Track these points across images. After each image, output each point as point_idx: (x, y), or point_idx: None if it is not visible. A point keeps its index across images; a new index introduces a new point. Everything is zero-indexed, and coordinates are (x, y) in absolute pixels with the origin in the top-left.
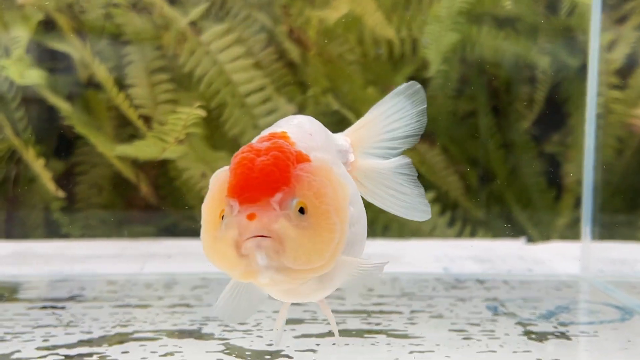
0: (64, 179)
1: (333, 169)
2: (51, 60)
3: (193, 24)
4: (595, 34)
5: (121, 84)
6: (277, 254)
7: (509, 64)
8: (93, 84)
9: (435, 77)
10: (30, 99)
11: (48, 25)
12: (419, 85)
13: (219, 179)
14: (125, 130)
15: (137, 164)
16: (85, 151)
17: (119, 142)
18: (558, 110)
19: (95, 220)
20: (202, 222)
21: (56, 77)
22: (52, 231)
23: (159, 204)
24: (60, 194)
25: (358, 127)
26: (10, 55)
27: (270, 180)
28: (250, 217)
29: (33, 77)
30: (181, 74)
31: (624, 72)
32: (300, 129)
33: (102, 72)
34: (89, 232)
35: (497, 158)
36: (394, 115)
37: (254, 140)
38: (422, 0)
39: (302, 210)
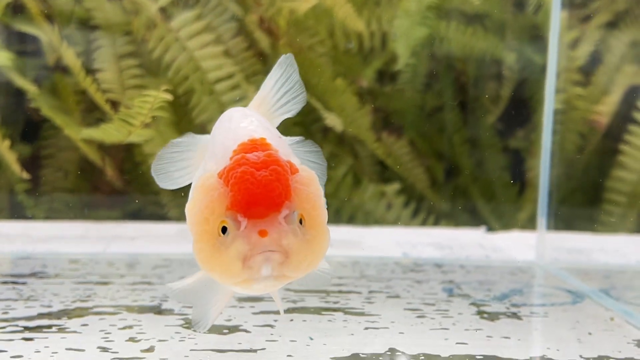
0: (30, 162)
1: (316, 178)
2: (19, 43)
3: (163, 10)
4: (555, 32)
5: (89, 69)
6: (282, 266)
7: (476, 60)
8: (61, 68)
9: (404, 71)
10: None
11: (16, 8)
12: (291, 55)
13: (214, 190)
14: (93, 115)
15: (104, 148)
16: (51, 134)
17: (86, 126)
18: (523, 107)
19: (60, 204)
20: (198, 231)
21: (24, 60)
22: (16, 213)
23: (124, 189)
24: (25, 175)
25: (258, 103)
26: None
27: (274, 196)
28: (262, 233)
29: (1, 58)
30: (150, 60)
31: (587, 70)
32: (269, 132)
33: (70, 56)
34: (53, 215)
35: (463, 152)
36: (281, 85)
37: (235, 146)
38: None
39: (300, 221)
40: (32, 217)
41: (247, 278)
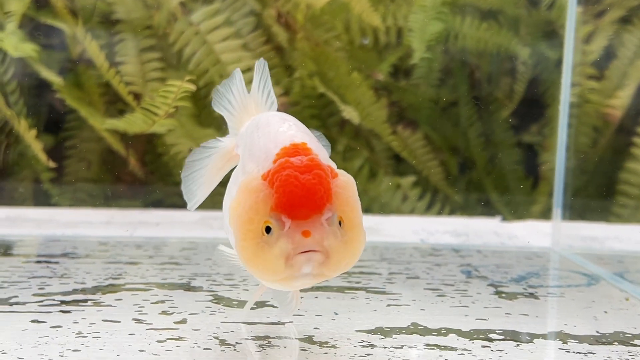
0: (53, 152)
1: (354, 182)
2: (44, 36)
3: (183, 4)
4: (570, 27)
5: (111, 62)
6: (322, 265)
7: (490, 55)
8: (85, 61)
9: (419, 66)
10: (22, 73)
11: (41, 2)
12: (264, 60)
13: (259, 191)
14: (115, 106)
15: (126, 139)
16: (75, 125)
17: (109, 117)
18: (537, 101)
19: (84, 193)
20: (242, 230)
21: (49, 52)
22: (41, 201)
23: (146, 179)
24: (52, 164)
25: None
26: (4, 29)
27: (317, 198)
28: (305, 234)
29: (26, 50)
30: (170, 53)
31: (601, 64)
32: (309, 137)
33: (93, 49)
34: (77, 203)
35: (477, 146)
36: (262, 88)
37: (277, 150)
38: None
39: (339, 223)
40: (57, 205)
41: (287, 276)
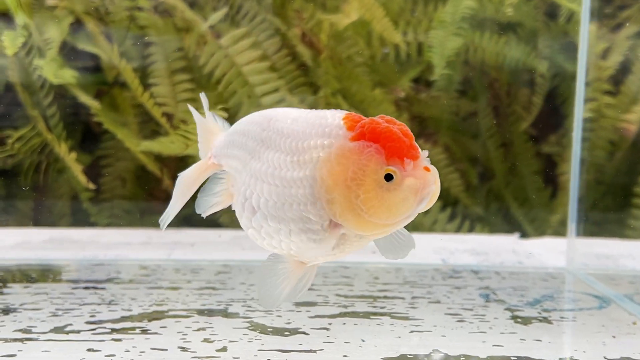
0: (89, 172)
1: None
2: (80, 60)
3: (212, 27)
4: (584, 42)
5: (145, 83)
6: (434, 196)
7: (509, 67)
8: (119, 83)
9: (439, 80)
10: (61, 96)
11: (77, 27)
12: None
13: (365, 147)
14: (148, 126)
15: (159, 159)
16: (109, 145)
17: (143, 137)
18: (555, 112)
19: (120, 210)
20: (366, 183)
21: (85, 76)
22: (79, 220)
23: None
24: (91, 186)
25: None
26: (44, 56)
27: (414, 141)
28: (427, 169)
29: (66, 76)
30: (200, 75)
31: (617, 79)
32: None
33: (128, 72)
34: (114, 221)
35: (496, 157)
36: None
37: (338, 120)
38: (427, 5)
39: None
40: (95, 224)
41: (413, 211)
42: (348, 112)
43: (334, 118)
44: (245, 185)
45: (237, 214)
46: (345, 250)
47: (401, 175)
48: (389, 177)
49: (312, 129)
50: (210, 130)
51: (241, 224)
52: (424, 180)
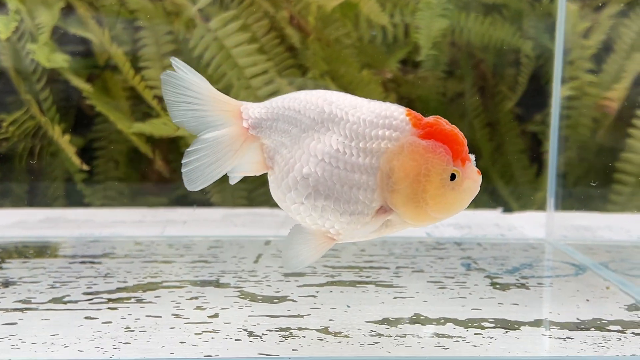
0: (83, 154)
1: None
2: (71, 44)
3: (201, 11)
4: (561, 21)
5: (135, 67)
6: None
7: (494, 48)
8: (110, 67)
9: (426, 61)
10: (53, 80)
11: (68, 12)
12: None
13: (437, 147)
14: (139, 109)
15: (151, 140)
16: (102, 128)
17: (135, 120)
18: (540, 92)
19: (114, 192)
20: (436, 181)
21: (76, 60)
22: (74, 201)
23: (170, 177)
24: (85, 167)
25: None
26: (36, 40)
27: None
28: (479, 172)
29: (58, 60)
30: (190, 58)
31: (599, 58)
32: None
33: (119, 56)
34: (108, 202)
35: (483, 136)
36: None
37: (403, 115)
38: None
39: None
40: (90, 204)
41: (463, 209)
42: (406, 108)
43: (399, 112)
44: (298, 161)
45: (274, 186)
46: (381, 234)
47: (462, 176)
48: (452, 177)
49: (378, 120)
50: (217, 97)
51: (279, 197)
52: (477, 184)
